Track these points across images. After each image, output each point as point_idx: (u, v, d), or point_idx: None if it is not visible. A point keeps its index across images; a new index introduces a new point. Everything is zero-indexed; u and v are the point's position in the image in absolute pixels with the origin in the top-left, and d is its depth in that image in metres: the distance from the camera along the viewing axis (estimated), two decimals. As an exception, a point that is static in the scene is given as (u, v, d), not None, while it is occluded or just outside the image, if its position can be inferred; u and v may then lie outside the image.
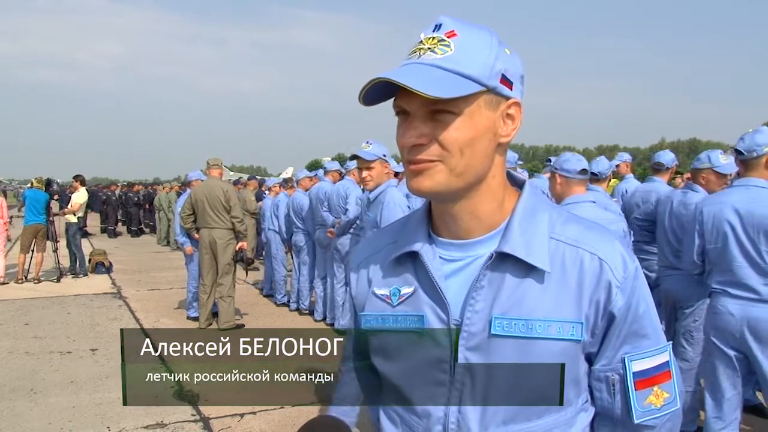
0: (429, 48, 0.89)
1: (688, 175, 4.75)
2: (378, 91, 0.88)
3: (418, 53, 0.90)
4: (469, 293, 0.94)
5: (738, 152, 2.94)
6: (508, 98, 0.92)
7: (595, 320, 0.93)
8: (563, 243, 0.94)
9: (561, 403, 0.94)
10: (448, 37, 0.89)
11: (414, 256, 1.00)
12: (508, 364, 0.92)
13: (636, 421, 0.96)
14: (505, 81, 0.91)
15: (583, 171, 3.02)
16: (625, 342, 0.95)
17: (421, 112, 0.88)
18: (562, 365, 0.93)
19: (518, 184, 1.03)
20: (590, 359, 0.98)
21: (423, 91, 0.82)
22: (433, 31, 0.91)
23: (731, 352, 2.96)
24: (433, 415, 0.97)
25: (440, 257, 0.98)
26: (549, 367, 0.92)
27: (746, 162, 2.93)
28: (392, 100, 0.92)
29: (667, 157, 4.83)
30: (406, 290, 1.00)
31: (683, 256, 3.26)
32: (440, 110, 0.87)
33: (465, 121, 0.88)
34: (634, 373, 0.96)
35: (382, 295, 1.03)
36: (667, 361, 0.98)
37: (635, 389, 0.96)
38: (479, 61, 0.88)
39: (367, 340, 1.07)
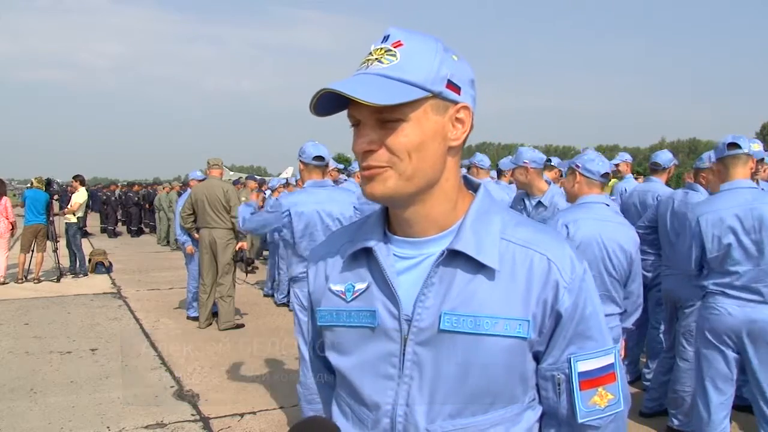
0: (377, 59, 0.92)
1: (641, 179, 4.81)
2: (331, 102, 0.92)
3: (366, 64, 0.93)
4: (421, 289, 0.97)
5: (736, 146, 2.93)
6: (456, 102, 0.95)
7: (543, 319, 0.96)
8: (513, 243, 0.97)
9: (508, 399, 0.98)
10: (394, 47, 0.92)
11: (369, 253, 1.02)
12: (456, 359, 0.95)
13: (580, 421, 0.99)
14: (452, 86, 0.94)
15: (606, 175, 2.93)
16: (571, 342, 0.98)
17: (371, 121, 0.92)
18: (507, 362, 0.95)
19: (473, 188, 1.06)
20: (538, 358, 1.00)
21: (366, 100, 0.85)
22: (382, 42, 0.94)
23: (730, 354, 2.94)
24: (381, 407, 0.99)
25: (394, 254, 1.01)
26: (495, 363, 0.94)
27: (737, 159, 2.92)
28: (346, 111, 0.96)
29: (664, 157, 4.82)
30: (360, 286, 1.02)
31: (679, 259, 3.24)
32: (388, 119, 0.91)
33: (412, 127, 0.91)
34: (579, 373, 0.98)
35: (337, 290, 1.05)
36: (612, 363, 1.00)
37: (580, 389, 0.98)
38: (423, 68, 0.91)
39: (323, 335, 1.10)
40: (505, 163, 6.38)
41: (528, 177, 3.82)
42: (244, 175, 16.77)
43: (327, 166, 3.78)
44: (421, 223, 0.99)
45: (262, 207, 8.25)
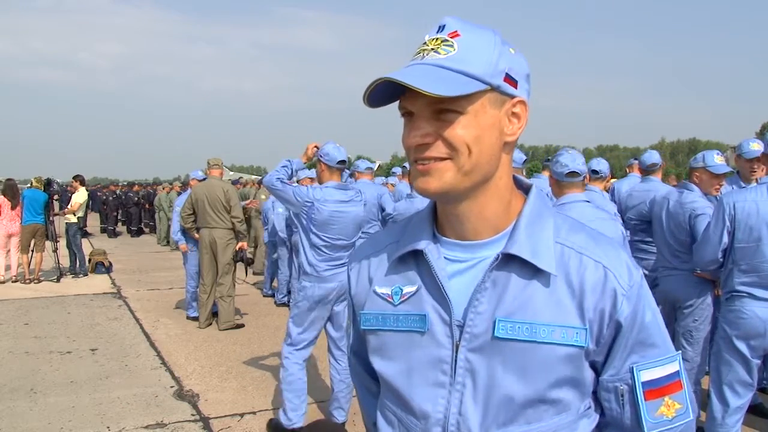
0: (432, 49, 0.89)
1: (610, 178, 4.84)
2: (382, 93, 0.88)
3: (422, 54, 0.90)
4: (473, 294, 0.93)
5: None
6: (513, 97, 0.92)
7: (600, 328, 0.92)
8: (569, 248, 0.94)
9: (562, 407, 0.94)
10: (451, 38, 0.89)
11: (418, 255, 0.99)
12: (511, 367, 0.91)
13: None
14: (509, 79, 0.90)
15: (572, 174, 2.92)
16: (632, 351, 0.94)
17: (426, 112, 0.88)
18: (563, 371, 0.92)
19: (524, 189, 1.02)
20: (596, 368, 0.97)
21: (426, 90, 0.82)
22: (437, 32, 0.91)
23: (754, 361, 2.89)
24: (432, 416, 0.96)
25: (445, 257, 0.97)
26: (551, 372, 0.91)
27: None
28: (397, 102, 0.92)
29: (657, 156, 4.99)
30: (409, 289, 0.99)
31: (700, 253, 3.12)
32: (445, 110, 0.87)
33: (470, 120, 0.88)
34: (643, 382, 0.94)
35: (383, 293, 1.02)
36: (678, 371, 0.96)
37: (645, 399, 0.94)
38: (482, 60, 0.88)
39: (366, 340, 1.06)
40: None
41: None
42: (244, 175, 16.77)
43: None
44: (474, 222, 0.95)
45: (256, 207, 8.17)
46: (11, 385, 4.76)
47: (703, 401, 3.48)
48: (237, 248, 6.70)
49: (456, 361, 0.94)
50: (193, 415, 4.19)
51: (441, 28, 0.91)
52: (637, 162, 6.12)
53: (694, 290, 3.62)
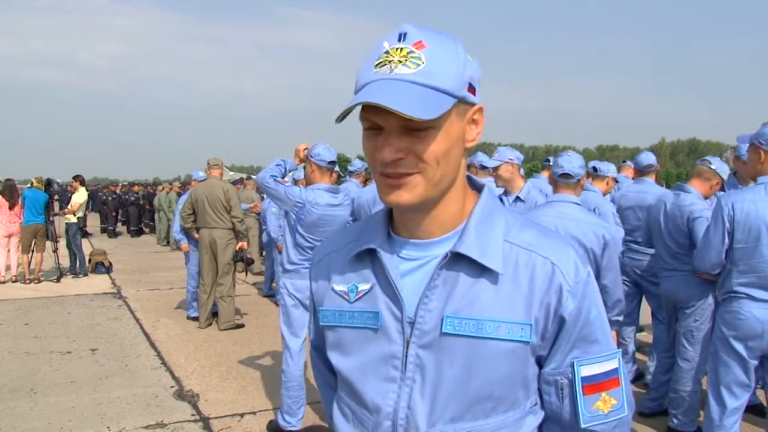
0: (399, 61, 0.88)
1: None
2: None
3: (388, 66, 0.88)
4: (424, 292, 0.96)
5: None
6: (473, 104, 0.94)
7: (546, 323, 0.95)
8: (517, 246, 0.96)
9: (509, 404, 0.97)
10: (417, 49, 0.88)
11: (373, 254, 1.01)
12: (457, 362, 0.94)
13: (583, 426, 0.98)
14: (471, 88, 0.93)
15: (564, 175, 3.02)
16: (574, 346, 0.97)
17: (396, 127, 0.88)
18: (509, 366, 0.94)
19: (477, 188, 1.04)
20: (540, 362, 1.00)
21: (410, 114, 0.82)
22: (399, 40, 0.89)
23: (752, 362, 2.89)
24: (383, 410, 0.98)
25: (398, 256, 1.00)
26: (496, 367, 0.94)
27: None
28: (358, 111, 0.91)
29: (653, 158, 4.97)
30: (363, 287, 1.01)
31: (703, 257, 3.10)
32: (418, 127, 0.87)
33: (442, 134, 0.89)
34: (582, 377, 0.97)
35: (340, 291, 1.04)
36: (616, 368, 0.99)
37: (583, 394, 0.97)
38: (450, 73, 0.89)
39: (325, 335, 1.09)
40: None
41: (512, 173, 3.98)
42: (244, 175, 16.78)
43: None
44: (427, 222, 0.98)
45: (257, 210, 8.17)
46: (11, 385, 4.76)
47: (702, 401, 3.48)
48: (237, 248, 6.70)
49: (407, 356, 0.97)
50: (193, 415, 4.19)
51: (402, 36, 0.89)
52: (628, 164, 6.10)
53: (695, 290, 3.62)
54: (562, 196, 3.01)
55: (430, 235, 0.98)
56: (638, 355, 5.02)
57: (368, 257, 1.02)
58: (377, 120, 0.89)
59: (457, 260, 0.95)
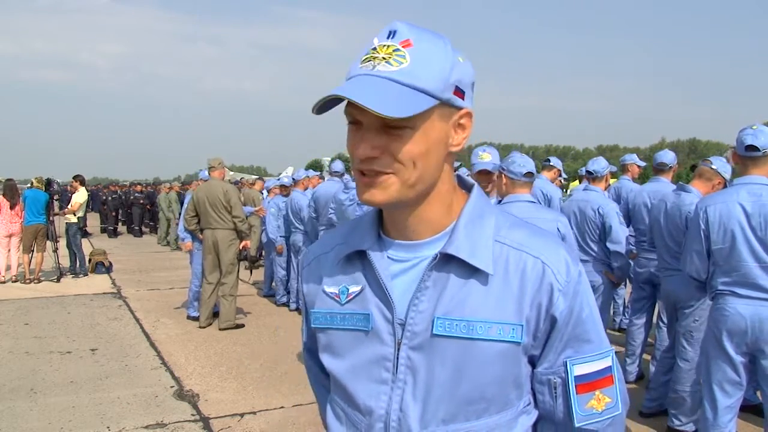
0: (383, 58, 0.87)
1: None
2: (330, 99, 0.88)
3: (372, 63, 0.88)
4: (414, 293, 0.95)
5: (753, 148, 2.86)
6: (460, 108, 0.92)
7: (537, 323, 0.94)
8: (507, 246, 0.95)
9: (502, 404, 0.96)
10: (403, 47, 0.87)
11: (363, 256, 1.00)
12: (449, 363, 0.93)
13: (577, 425, 0.97)
14: (458, 92, 0.91)
15: (528, 174, 3.18)
16: (567, 346, 0.96)
17: (375, 124, 0.88)
18: (501, 367, 0.94)
19: (467, 188, 1.04)
20: (533, 362, 0.99)
21: (378, 111, 0.81)
22: (388, 38, 0.89)
23: (739, 358, 2.89)
24: (375, 412, 0.98)
25: (388, 257, 0.99)
26: (488, 368, 0.93)
27: (755, 159, 2.88)
28: (344, 105, 0.90)
29: (669, 156, 4.90)
30: (354, 289, 1.01)
31: (684, 263, 3.16)
32: (395, 125, 0.87)
33: (419, 135, 0.88)
34: (575, 376, 0.96)
35: (331, 293, 1.04)
36: (610, 366, 0.99)
37: (576, 393, 0.97)
38: (435, 74, 0.87)
39: (317, 337, 1.09)
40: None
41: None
42: (245, 175, 16.78)
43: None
44: (416, 225, 0.97)
45: (262, 214, 8.24)
46: (11, 385, 4.75)
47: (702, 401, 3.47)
48: (240, 247, 6.69)
49: (398, 358, 0.96)
50: (193, 415, 4.19)
51: (392, 34, 0.88)
52: (630, 162, 5.95)
53: (695, 291, 3.61)
54: (518, 196, 3.19)
55: (419, 235, 0.98)
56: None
57: (358, 259, 1.02)
58: (357, 115, 0.89)
59: (447, 261, 0.95)
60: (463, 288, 0.94)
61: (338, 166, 6.93)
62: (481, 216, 0.98)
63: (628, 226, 4.75)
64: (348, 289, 1.02)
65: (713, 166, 3.72)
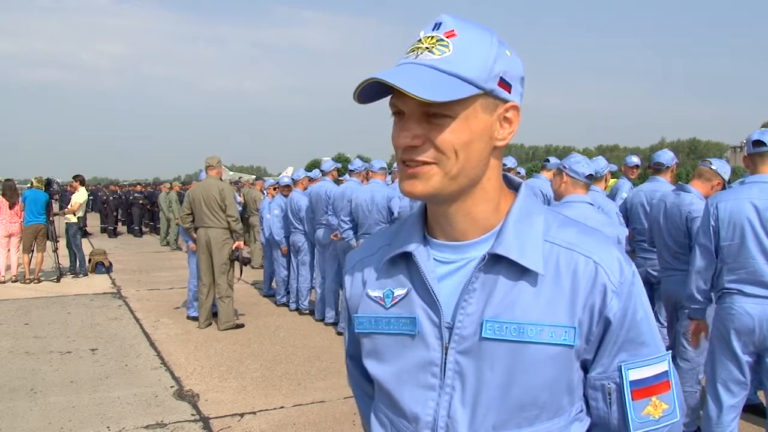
0: (427, 48, 0.87)
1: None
2: (374, 90, 0.87)
3: (415, 52, 0.88)
4: (461, 295, 0.92)
5: (760, 143, 2.87)
6: (506, 101, 0.90)
7: (590, 325, 0.91)
8: (558, 246, 0.92)
9: (554, 411, 0.93)
10: (447, 37, 0.86)
11: (408, 258, 0.98)
12: (499, 368, 0.90)
13: None
14: (504, 84, 0.89)
15: (590, 176, 3.19)
16: (621, 349, 0.92)
17: (417, 114, 0.87)
18: (553, 371, 0.90)
19: (514, 187, 1.01)
20: (586, 367, 0.95)
21: (415, 94, 0.80)
22: (433, 29, 0.88)
23: (745, 357, 2.88)
24: (422, 419, 0.95)
25: (434, 259, 0.96)
26: (540, 372, 0.89)
27: (763, 155, 2.89)
28: (389, 98, 0.90)
29: (666, 156, 4.87)
30: (399, 292, 0.98)
31: (696, 263, 3.10)
32: (436, 113, 0.85)
33: (460, 124, 0.86)
34: (631, 381, 0.92)
35: (375, 296, 1.01)
36: (666, 371, 0.95)
37: (632, 399, 0.92)
38: (477, 63, 0.86)
39: (360, 343, 1.06)
40: None
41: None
42: (244, 175, 16.79)
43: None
44: (462, 223, 0.94)
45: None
46: (11, 385, 4.75)
47: (703, 401, 3.47)
48: (233, 247, 6.69)
49: (445, 363, 0.93)
50: (193, 415, 4.19)
51: (437, 26, 0.88)
52: (632, 165, 5.95)
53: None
54: (578, 197, 3.13)
55: (466, 236, 0.95)
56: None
57: (403, 261, 0.99)
58: (399, 104, 0.88)
59: (495, 262, 0.91)
60: (512, 289, 0.90)
61: (379, 164, 6.36)
62: (529, 215, 0.95)
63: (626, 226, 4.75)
64: (393, 293, 0.99)
65: (713, 167, 3.72)
